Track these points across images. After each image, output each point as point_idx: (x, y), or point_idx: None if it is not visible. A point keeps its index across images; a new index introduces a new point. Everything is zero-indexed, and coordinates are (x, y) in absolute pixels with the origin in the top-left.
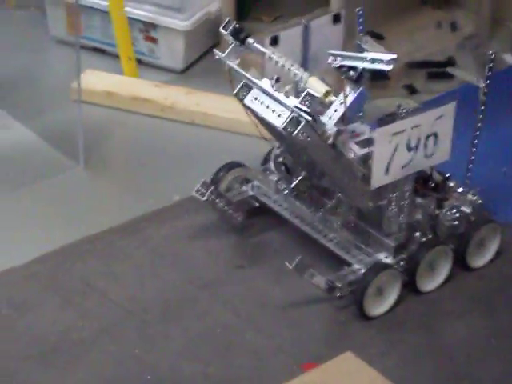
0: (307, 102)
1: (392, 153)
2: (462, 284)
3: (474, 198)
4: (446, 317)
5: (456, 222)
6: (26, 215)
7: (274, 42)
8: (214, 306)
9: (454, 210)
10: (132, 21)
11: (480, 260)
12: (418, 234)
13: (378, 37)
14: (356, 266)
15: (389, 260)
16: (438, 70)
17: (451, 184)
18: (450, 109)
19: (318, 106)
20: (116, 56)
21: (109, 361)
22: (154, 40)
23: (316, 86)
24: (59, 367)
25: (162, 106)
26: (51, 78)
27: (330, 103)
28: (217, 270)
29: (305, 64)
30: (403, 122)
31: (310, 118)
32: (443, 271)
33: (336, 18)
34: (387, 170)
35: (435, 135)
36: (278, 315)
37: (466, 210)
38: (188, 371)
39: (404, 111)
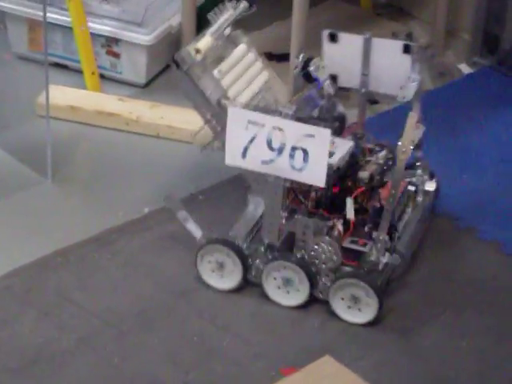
0: None
1: (249, 140)
2: (432, 288)
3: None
4: (418, 320)
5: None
6: None
7: (333, 38)
8: (190, 314)
9: (321, 249)
10: (94, 36)
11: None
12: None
13: None
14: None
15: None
16: None
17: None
18: (323, 134)
19: None
20: (78, 71)
21: (88, 371)
22: (116, 54)
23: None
24: (39, 379)
25: (127, 120)
26: (15, 94)
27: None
28: (191, 279)
29: (365, 77)
30: (262, 115)
31: None
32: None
33: (406, 49)
34: (244, 155)
35: (304, 151)
36: (254, 322)
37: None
38: (168, 379)
39: None
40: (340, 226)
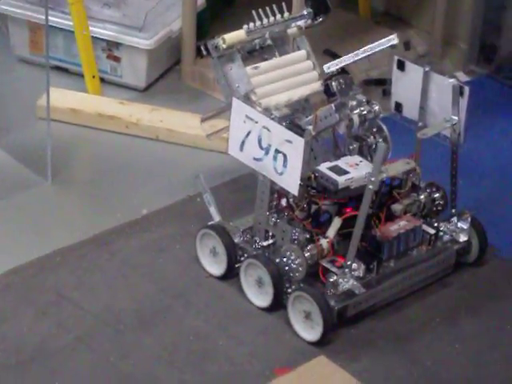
0: None
1: (245, 135)
2: (426, 292)
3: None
4: (411, 323)
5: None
6: None
7: (401, 66)
8: (187, 314)
9: (286, 258)
10: (95, 40)
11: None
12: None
13: (334, 55)
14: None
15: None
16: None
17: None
18: (298, 142)
19: None
20: (79, 75)
21: (85, 369)
22: (116, 58)
23: None
24: (37, 376)
25: (127, 123)
26: (16, 97)
27: None
28: (187, 280)
29: (422, 112)
30: (255, 112)
31: None
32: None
33: (461, 91)
34: (242, 148)
35: (284, 156)
36: (249, 323)
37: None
38: (164, 378)
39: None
40: (324, 243)
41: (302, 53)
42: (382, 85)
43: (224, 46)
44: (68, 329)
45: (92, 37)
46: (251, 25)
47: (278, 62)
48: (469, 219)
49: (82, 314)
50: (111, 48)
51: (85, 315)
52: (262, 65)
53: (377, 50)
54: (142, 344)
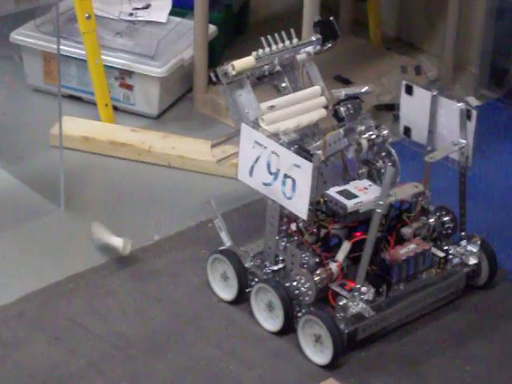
0: None
1: (254, 160)
2: (436, 314)
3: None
4: (422, 346)
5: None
6: (11, 256)
7: (409, 91)
8: (198, 339)
9: (296, 282)
10: (108, 68)
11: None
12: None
13: (345, 81)
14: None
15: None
16: None
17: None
18: (306, 166)
19: None
20: (92, 103)
21: None
22: (129, 87)
23: None
24: None
25: (140, 150)
26: (30, 125)
27: None
28: (199, 305)
29: (430, 136)
30: (264, 138)
31: None
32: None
33: (468, 114)
34: (251, 173)
35: (293, 180)
36: (260, 347)
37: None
38: None
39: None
40: (334, 267)
41: (317, 88)
42: (392, 110)
43: (233, 72)
44: (80, 354)
45: (105, 65)
46: (260, 51)
47: (293, 97)
48: (478, 242)
49: (94, 339)
50: (124, 76)
51: (97, 340)
52: (278, 103)
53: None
54: (153, 369)
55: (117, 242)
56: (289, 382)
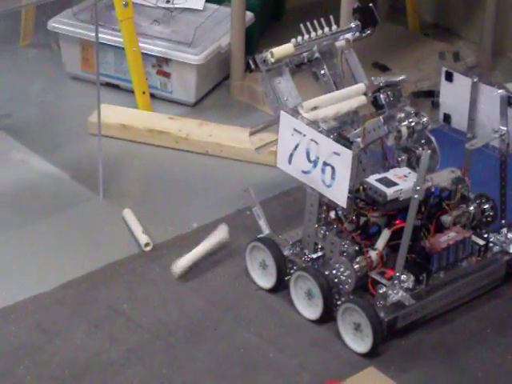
0: None
1: (293, 148)
2: (476, 303)
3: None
4: (461, 334)
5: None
6: (51, 244)
7: (449, 78)
8: (237, 327)
9: (335, 270)
10: (145, 56)
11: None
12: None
13: (383, 68)
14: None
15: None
16: None
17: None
18: (346, 154)
19: None
20: (129, 91)
21: (137, 381)
22: (166, 74)
23: None
24: None
25: (177, 138)
26: (68, 113)
27: None
28: (238, 293)
29: (471, 123)
30: (303, 125)
31: None
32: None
33: (509, 101)
34: (290, 161)
35: (332, 168)
36: (300, 335)
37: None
38: None
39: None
40: (373, 255)
41: (361, 86)
42: (431, 97)
43: (272, 59)
44: (120, 342)
45: (142, 53)
46: (299, 38)
47: (337, 95)
48: None
49: (133, 327)
50: (161, 64)
51: (136, 328)
52: (320, 102)
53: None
54: (193, 356)
55: (140, 237)
56: (328, 370)
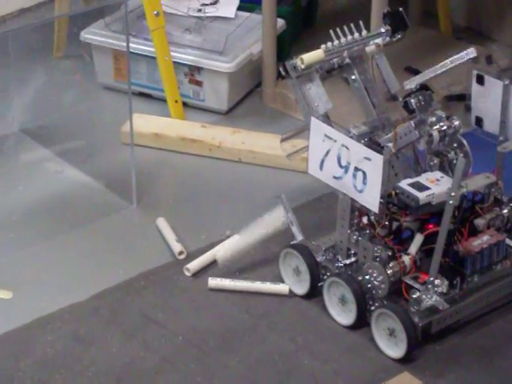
0: None
1: (325, 153)
2: (511, 307)
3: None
4: (496, 338)
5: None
6: (85, 254)
7: (480, 81)
8: (271, 334)
9: (369, 276)
10: (177, 65)
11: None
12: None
13: (415, 72)
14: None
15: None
16: None
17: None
18: (376, 159)
19: None
20: (162, 100)
21: None
22: (198, 83)
23: None
24: None
25: (210, 146)
26: (101, 123)
27: None
28: (271, 300)
29: (503, 125)
30: (334, 131)
31: None
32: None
33: None
34: (321, 167)
35: (364, 173)
36: (334, 341)
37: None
38: None
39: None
40: (406, 260)
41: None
42: (463, 100)
43: (302, 66)
44: (155, 350)
45: (174, 62)
46: (329, 44)
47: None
48: None
49: (167, 335)
50: (193, 72)
51: (170, 336)
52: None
53: (455, 63)
54: (227, 364)
55: (174, 246)
56: (363, 376)
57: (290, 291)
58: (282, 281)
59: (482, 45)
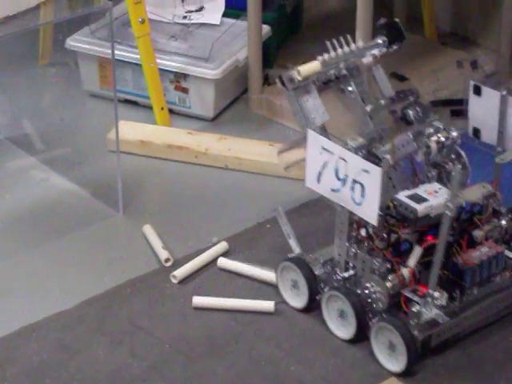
0: None
1: (322, 166)
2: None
3: None
4: (497, 351)
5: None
6: (71, 261)
7: (477, 91)
8: (258, 341)
9: (367, 289)
10: (163, 72)
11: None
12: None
13: (401, 78)
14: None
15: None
16: (461, 107)
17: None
18: (375, 171)
19: None
20: (148, 107)
21: None
22: (184, 90)
23: None
24: None
25: (196, 153)
26: (87, 130)
27: None
28: None
29: (501, 136)
30: (331, 143)
31: None
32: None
33: None
34: (319, 180)
35: (362, 186)
36: (320, 347)
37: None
38: None
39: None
40: (405, 273)
41: None
42: (449, 105)
43: (299, 78)
44: (142, 357)
45: (160, 69)
46: (326, 56)
47: None
48: None
49: (155, 342)
50: (179, 79)
51: (158, 344)
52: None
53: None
54: (214, 371)
55: (160, 253)
56: (350, 382)
57: (276, 309)
58: (268, 289)
59: (467, 50)
